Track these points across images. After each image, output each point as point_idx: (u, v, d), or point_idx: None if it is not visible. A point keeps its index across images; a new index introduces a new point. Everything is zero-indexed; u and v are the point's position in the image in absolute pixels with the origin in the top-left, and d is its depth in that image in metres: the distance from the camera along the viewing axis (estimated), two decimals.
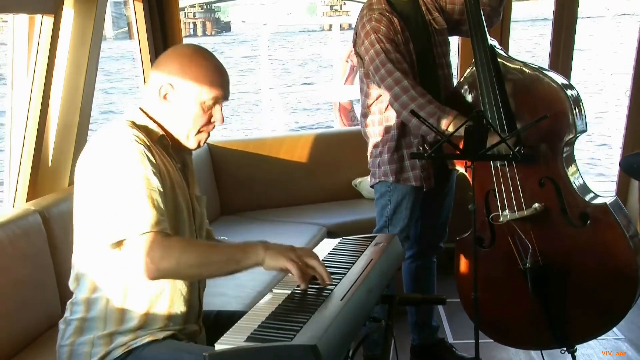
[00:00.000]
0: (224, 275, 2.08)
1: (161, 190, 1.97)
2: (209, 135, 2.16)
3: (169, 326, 2.09)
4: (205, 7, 44.45)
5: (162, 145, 2.11)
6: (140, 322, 2.05)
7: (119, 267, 2.00)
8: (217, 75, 2.10)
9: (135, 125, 2.07)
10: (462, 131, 2.82)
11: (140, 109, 2.13)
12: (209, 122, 2.12)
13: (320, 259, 2.16)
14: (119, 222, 1.93)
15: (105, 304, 2.05)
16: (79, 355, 2.06)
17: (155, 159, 2.00)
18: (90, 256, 2.04)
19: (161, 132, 2.10)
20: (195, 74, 2.07)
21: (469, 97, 3.14)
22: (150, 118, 2.11)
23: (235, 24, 46.23)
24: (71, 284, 2.12)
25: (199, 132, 2.12)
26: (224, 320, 2.21)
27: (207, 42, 36.24)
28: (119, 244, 1.95)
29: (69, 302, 2.13)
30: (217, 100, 2.10)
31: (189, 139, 2.12)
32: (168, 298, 2.08)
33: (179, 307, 2.11)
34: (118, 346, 2.04)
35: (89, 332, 2.06)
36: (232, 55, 30.47)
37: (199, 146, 2.16)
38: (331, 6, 36.83)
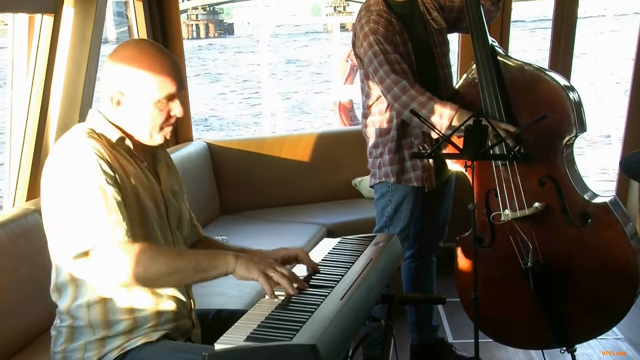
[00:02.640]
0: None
1: (118, 198, 1.96)
2: (173, 127, 2.13)
3: (160, 325, 2.08)
4: (208, 9, 44.28)
5: (124, 147, 2.09)
6: (128, 325, 2.04)
7: (90, 276, 1.99)
8: (165, 72, 2.04)
9: (94, 132, 2.05)
10: (462, 130, 2.82)
11: (100, 112, 2.11)
12: (168, 117, 2.08)
13: (320, 259, 2.18)
14: (80, 234, 1.93)
15: (87, 312, 2.04)
16: None
17: (112, 166, 1.98)
18: (62, 267, 2.04)
19: (119, 135, 2.07)
20: (142, 77, 2.02)
21: (470, 96, 3.14)
22: (109, 122, 2.09)
23: (239, 26, 46.09)
24: (52, 294, 2.11)
25: (161, 128, 2.09)
26: (224, 320, 2.21)
27: (210, 44, 36.23)
28: (84, 254, 1.94)
29: (57, 310, 2.13)
30: (172, 97, 2.06)
31: (152, 137, 2.10)
32: (152, 300, 2.06)
33: (167, 306, 2.09)
34: (112, 349, 2.03)
35: (80, 338, 2.06)
36: (234, 57, 30.46)
37: (165, 140, 2.13)
38: (335, 7, 36.78)
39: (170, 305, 2.10)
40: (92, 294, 2.02)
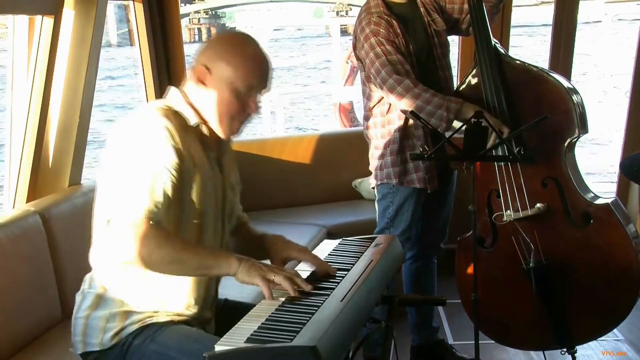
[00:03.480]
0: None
1: (167, 186, 1.95)
2: (243, 124, 2.12)
3: (185, 312, 2.09)
4: (210, 12, 44.27)
5: (198, 133, 2.09)
6: (157, 305, 2.06)
7: (108, 243, 1.97)
8: (255, 64, 2.06)
9: (170, 110, 2.05)
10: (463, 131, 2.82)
11: (182, 91, 2.11)
12: (242, 110, 2.08)
13: (322, 259, 2.17)
14: (113, 202, 1.94)
15: (122, 284, 2.05)
16: (93, 329, 2.06)
17: (180, 150, 1.97)
18: (104, 232, 2.00)
19: (197, 121, 2.08)
20: (232, 59, 2.04)
21: (474, 97, 3.13)
22: (189, 104, 2.09)
23: (241, 30, 46.06)
24: (91, 258, 2.06)
25: (232, 119, 2.08)
26: (230, 308, 2.24)
27: None
28: (108, 221, 1.94)
29: (87, 275, 2.12)
30: (253, 90, 2.07)
31: (221, 125, 2.09)
32: (188, 283, 2.08)
33: (197, 292, 2.10)
34: (134, 322, 2.04)
35: (105, 307, 2.06)
36: None
37: (233, 134, 2.12)
38: (337, 12, 36.80)
39: (200, 293, 2.11)
40: (129, 267, 1.99)
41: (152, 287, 2.05)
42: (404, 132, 3.16)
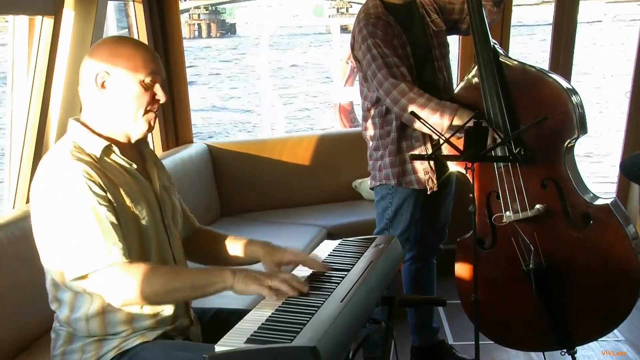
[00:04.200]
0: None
1: (112, 218, 1.96)
2: (156, 115, 2.12)
3: (158, 327, 2.09)
4: (210, 8, 44.22)
5: (110, 156, 2.08)
6: (126, 333, 2.05)
7: (90, 292, 2.01)
8: (147, 54, 2.08)
9: (78, 149, 2.04)
10: (463, 131, 2.82)
11: (80, 122, 2.10)
12: (152, 100, 2.08)
13: (321, 261, 2.17)
14: (78, 259, 1.94)
15: (85, 324, 2.05)
16: None
17: (101, 185, 1.97)
18: (60, 283, 2.05)
19: (104, 144, 2.06)
20: (126, 55, 2.05)
21: (472, 98, 3.13)
22: (92, 131, 2.08)
23: (241, 26, 46.09)
24: (51, 304, 2.13)
25: (145, 112, 2.08)
26: (223, 319, 2.22)
27: (212, 45, 36.21)
28: (83, 277, 1.96)
29: (55, 316, 2.14)
30: (155, 77, 2.07)
31: (137, 121, 2.08)
32: (149, 307, 2.06)
33: (164, 310, 2.09)
34: (109, 350, 2.04)
35: (78, 340, 2.07)
36: (236, 58, 30.45)
37: (150, 127, 2.11)
38: (337, 9, 36.76)
39: (168, 310, 2.10)
40: (90, 307, 2.03)
41: (118, 320, 2.04)
42: (402, 132, 3.16)
